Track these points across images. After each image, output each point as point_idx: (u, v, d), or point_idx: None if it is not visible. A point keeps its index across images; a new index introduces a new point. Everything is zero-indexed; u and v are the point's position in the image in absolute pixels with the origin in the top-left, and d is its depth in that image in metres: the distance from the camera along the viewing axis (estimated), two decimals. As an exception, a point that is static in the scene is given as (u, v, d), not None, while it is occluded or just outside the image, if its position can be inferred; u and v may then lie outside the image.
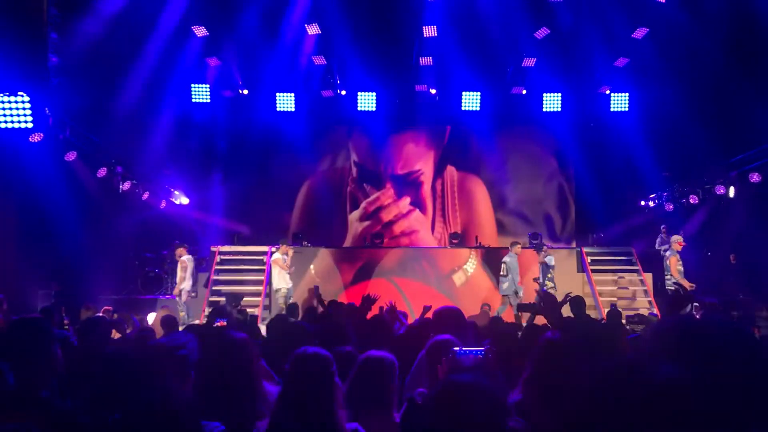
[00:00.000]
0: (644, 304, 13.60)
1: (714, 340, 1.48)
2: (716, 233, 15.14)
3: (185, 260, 12.85)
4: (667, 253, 12.34)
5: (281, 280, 12.60)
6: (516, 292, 12.44)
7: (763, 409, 1.38)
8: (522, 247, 13.20)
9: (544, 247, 13.08)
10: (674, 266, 11.98)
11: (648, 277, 14.14)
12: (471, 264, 14.48)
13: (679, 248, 12.14)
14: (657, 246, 16.03)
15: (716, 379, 1.38)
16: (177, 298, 12.64)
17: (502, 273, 12.73)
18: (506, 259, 12.77)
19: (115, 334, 6.96)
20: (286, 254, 12.80)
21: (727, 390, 1.37)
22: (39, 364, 2.57)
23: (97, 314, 8.08)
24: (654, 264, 14.74)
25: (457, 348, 3.27)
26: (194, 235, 16.26)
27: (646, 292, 13.98)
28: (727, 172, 13.92)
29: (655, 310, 12.77)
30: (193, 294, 13.05)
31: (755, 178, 12.79)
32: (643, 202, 16.65)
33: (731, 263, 14.89)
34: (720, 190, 13.79)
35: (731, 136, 13.42)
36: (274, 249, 13.14)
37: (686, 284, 11.76)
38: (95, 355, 2.93)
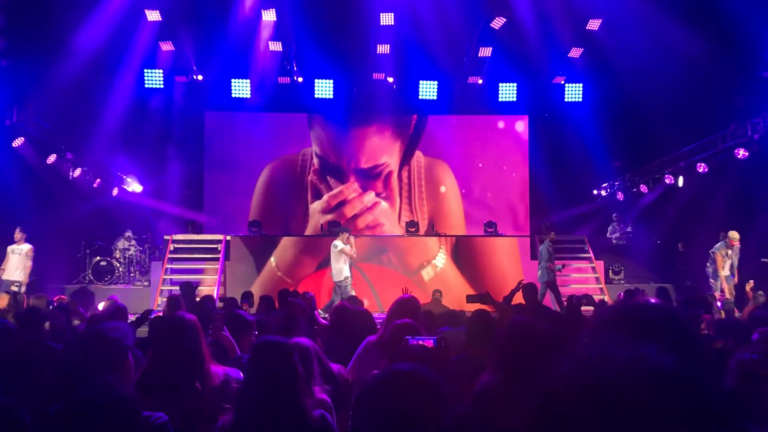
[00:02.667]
0: (595, 291, 13.85)
1: (647, 323, 1.51)
2: (666, 222, 15.53)
3: (31, 248, 11.95)
4: (717, 245, 12.03)
5: (346, 269, 12.55)
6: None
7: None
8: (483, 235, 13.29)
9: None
10: (719, 262, 11.83)
11: (599, 265, 14.43)
12: (440, 258, 14.50)
13: (731, 246, 11.87)
14: (609, 234, 16.39)
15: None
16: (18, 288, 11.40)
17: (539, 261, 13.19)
18: (540, 247, 13.16)
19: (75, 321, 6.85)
20: (348, 243, 12.73)
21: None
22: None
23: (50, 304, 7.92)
24: (604, 252, 15.06)
25: (409, 337, 3.32)
26: (148, 223, 16.04)
27: (597, 279, 14.25)
28: (676, 162, 14.27)
29: (606, 297, 13.02)
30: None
31: (702, 168, 13.14)
32: (595, 191, 16.97)
33: (680, 251, 15.32)
34: (669, 179, 14.13)
35: (683, 126, 13.73)
36: (339, 240, 12.67)
37: (725, 286, 11.71)
38: (34, 344, 2.87)
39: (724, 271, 11.92)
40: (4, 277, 11.66)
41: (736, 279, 12.03)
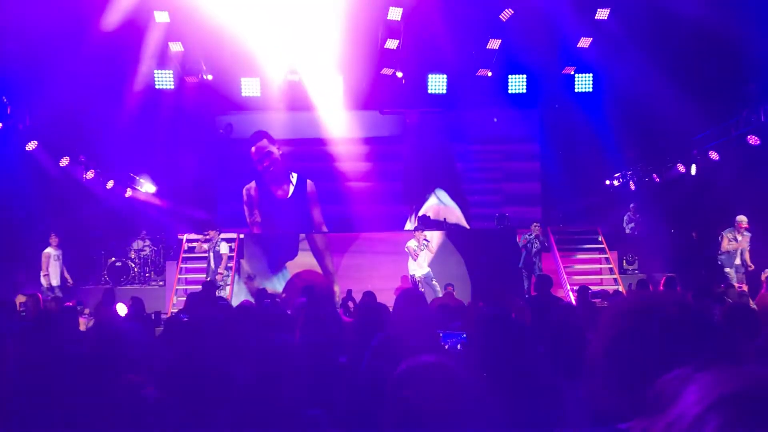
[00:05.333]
0: (610, 282, 13.82)
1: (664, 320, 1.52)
2: (679, 211, 15.42)
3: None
4: (727, 231, 12.11)
5: (416, 267, 12.92)
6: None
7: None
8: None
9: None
10: (725, 243, 11.87)
11: (613, 256, 14.36)
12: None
13: (739, 230, 11.76)
14: (624, 224, 16.26)
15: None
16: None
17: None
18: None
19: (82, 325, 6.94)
20: (418, 242, 13.04)
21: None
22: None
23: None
24: (618, 243, 14.99)
25: (440, 332, 3.33)
26: (162, 223, 16.11)
27: (611, 270, 14.21)
28: (688, 150, 14.16)
29: (620, 288, 12.97)
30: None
31: (714, 155, 13.04)
32: (607, 182, 16.86)
33: (694, 239, 15.21)
34: (681, 167, 14.02)
35: (695, 114, 13.60)
36: (413, 239, 13.13)
37: (732, 275, 11.66)
38: (50, 346, 2.92)
39: (737, 260, 11.83)
40: (53, 283, 11.91)
41: (752, 266, 11.93)
